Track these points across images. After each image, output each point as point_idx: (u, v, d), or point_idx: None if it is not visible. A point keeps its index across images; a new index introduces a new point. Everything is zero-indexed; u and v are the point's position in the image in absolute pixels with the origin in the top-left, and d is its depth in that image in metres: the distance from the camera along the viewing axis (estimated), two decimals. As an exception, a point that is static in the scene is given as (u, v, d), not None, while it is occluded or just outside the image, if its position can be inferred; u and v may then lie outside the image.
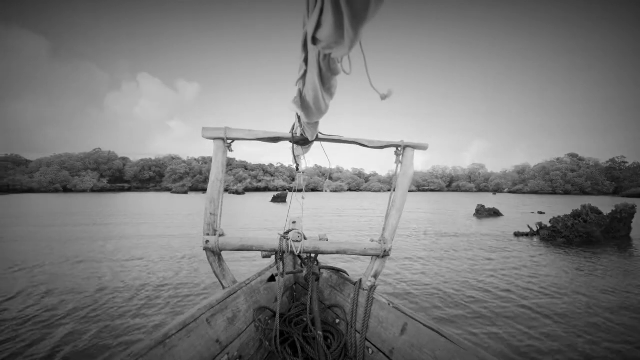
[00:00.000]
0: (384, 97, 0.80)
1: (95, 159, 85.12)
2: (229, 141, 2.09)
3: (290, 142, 2.07)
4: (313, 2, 0.67)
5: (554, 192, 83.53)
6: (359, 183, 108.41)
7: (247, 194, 55.99)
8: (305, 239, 2.23)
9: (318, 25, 0.66)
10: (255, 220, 14.84)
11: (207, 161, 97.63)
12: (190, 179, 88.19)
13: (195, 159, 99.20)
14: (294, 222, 2.86)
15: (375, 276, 2.29)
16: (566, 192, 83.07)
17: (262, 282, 2.51)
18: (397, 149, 2.23)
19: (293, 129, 1.99)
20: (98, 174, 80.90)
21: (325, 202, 31.55)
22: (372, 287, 2.24)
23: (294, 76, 0.98)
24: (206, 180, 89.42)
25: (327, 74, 0.85)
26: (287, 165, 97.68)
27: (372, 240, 2.26)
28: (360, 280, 2.34)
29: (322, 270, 2.76)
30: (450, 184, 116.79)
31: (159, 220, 14.31)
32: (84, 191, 71.08)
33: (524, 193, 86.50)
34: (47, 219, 14.90)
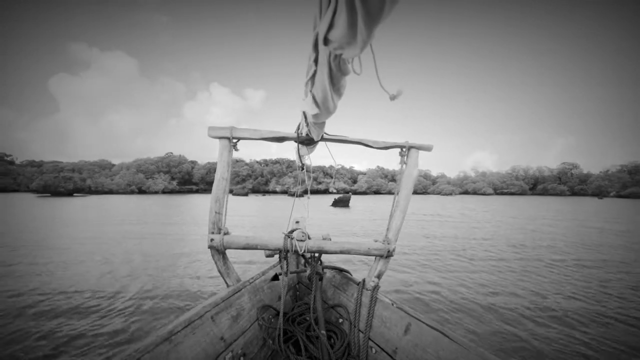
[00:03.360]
0: (393, 98, 0.79)
1: (167, 162, 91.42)
2: (234, 140, 2.06)
3: (296, 142, 2.05)
4: (326, 3, 0.67)
5: (685, 197, 65.77)
6: (425, 185, 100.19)
7: (307, 197, 53.73)
8: (309, 238, 2.19)
9: (330, 26, 0.67)
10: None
11: (268, 163, 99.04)
12: (252, 180, 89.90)
13: (257, 161, 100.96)
14: (297, 222, 2.86)
15: (379, 276, 2.25)
16: None
17: (266, 281, 2.47)
18: (402, 149, 2.17)
19: (298, 128, 1.97)
20: (169, 177, 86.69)
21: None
22: (376, 287, 2.19)
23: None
24: (267, 183, 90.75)
25: (337, 74, 0.84)
26: (347, 167, 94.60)
27: (376, 241, 2.22)
28: (364, 280, 2.30)
29: (325, 270, 2.70)
30: (534, 186, 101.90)
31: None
32: (156, 192, 76.10)
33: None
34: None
